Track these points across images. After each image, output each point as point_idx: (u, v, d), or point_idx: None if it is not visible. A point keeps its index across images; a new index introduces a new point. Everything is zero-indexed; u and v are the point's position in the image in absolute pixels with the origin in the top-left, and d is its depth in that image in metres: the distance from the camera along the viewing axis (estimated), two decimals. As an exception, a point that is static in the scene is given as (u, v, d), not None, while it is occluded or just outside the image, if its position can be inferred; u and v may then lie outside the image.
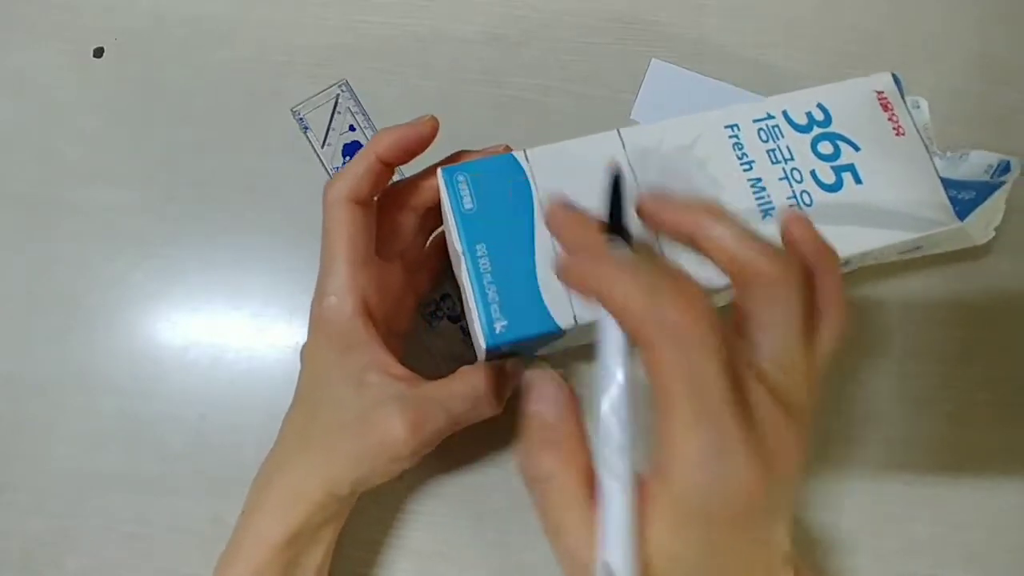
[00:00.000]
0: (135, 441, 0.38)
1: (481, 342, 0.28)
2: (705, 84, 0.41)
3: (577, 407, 0.24)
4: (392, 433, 0.28)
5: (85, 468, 0.37)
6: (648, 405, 0.21)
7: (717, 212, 0.24)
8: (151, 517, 0.37)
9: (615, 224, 0.24)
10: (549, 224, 0.27)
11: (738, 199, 0.30)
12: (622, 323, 0.21)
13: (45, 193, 0.41)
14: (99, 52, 0.42)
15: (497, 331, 0.27)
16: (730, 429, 0.20)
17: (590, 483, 0.22)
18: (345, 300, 0.29)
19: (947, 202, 0.32)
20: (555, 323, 0.28)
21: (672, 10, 0.42)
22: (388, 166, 0.30)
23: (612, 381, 0.22)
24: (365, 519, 0.36)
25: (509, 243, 0.28)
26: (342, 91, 0.42)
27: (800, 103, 0.33)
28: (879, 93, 0.33)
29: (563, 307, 0.28)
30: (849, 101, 0.33)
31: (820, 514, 0.37)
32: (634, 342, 0.21)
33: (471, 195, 0.29)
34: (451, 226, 0.29)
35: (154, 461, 0.37)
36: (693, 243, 0.24)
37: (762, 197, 0.31)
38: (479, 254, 0.28)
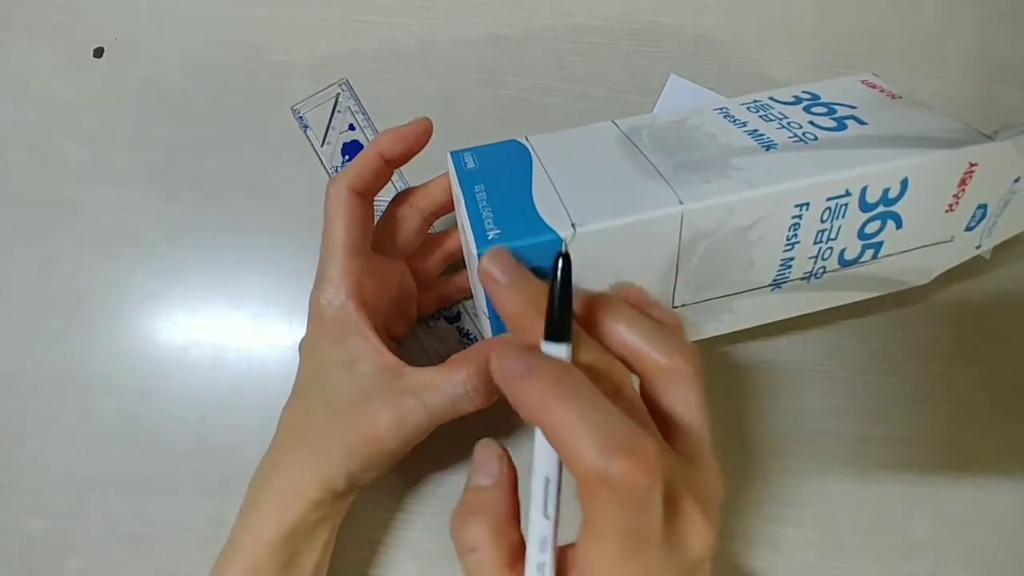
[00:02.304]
0: (135, 441, 0.38)
1: (473, 249, 0.26)
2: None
3: (515, 485, 0.24)
4: (377, 428, 0.28)
5: (85, 468, 0.37)
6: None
7: (615, 308, 0.25)
8: (151, 517, 0.37)
9: (561, 322, 0.22)
10: (483, 280, 0.25)
11: (736, 141, 0.30)
12: (567, 462, 0.20)
13: (45, 193, 0.41)
14: (99, 52, 0.42)
15: (489, 237, 0.26)
16: (656, 564, 0.21)
17: (515, 560, 0.23)
18: (340, 286, 0.30)
19: (973, 129, 0.30)
20: (552, 231, 0.26)
21: (672, 10, 0.42)
22: (389, 163, 0.31)
23: (544, 483, 0.22)
24: (365, 519, 0.36)
25: (507, 185, 0.28)
26: (342, 90, 0.42)
27: (784, 91, 0.33)
28: (863, 81, 0.34)
29: (560, 220, 0.26)
30: (834, 86, 0.33)
31: (820, 514, 0.37)
32: (574, 475, 0.21)
33: (474, 161, 0.30)
34: (455, 185, 0.29)
35: (154, 461, 0.37)
36: (599, 339, 0.25)
37: (761, 138, 0.30)
38: (476, 191, 0.28)
